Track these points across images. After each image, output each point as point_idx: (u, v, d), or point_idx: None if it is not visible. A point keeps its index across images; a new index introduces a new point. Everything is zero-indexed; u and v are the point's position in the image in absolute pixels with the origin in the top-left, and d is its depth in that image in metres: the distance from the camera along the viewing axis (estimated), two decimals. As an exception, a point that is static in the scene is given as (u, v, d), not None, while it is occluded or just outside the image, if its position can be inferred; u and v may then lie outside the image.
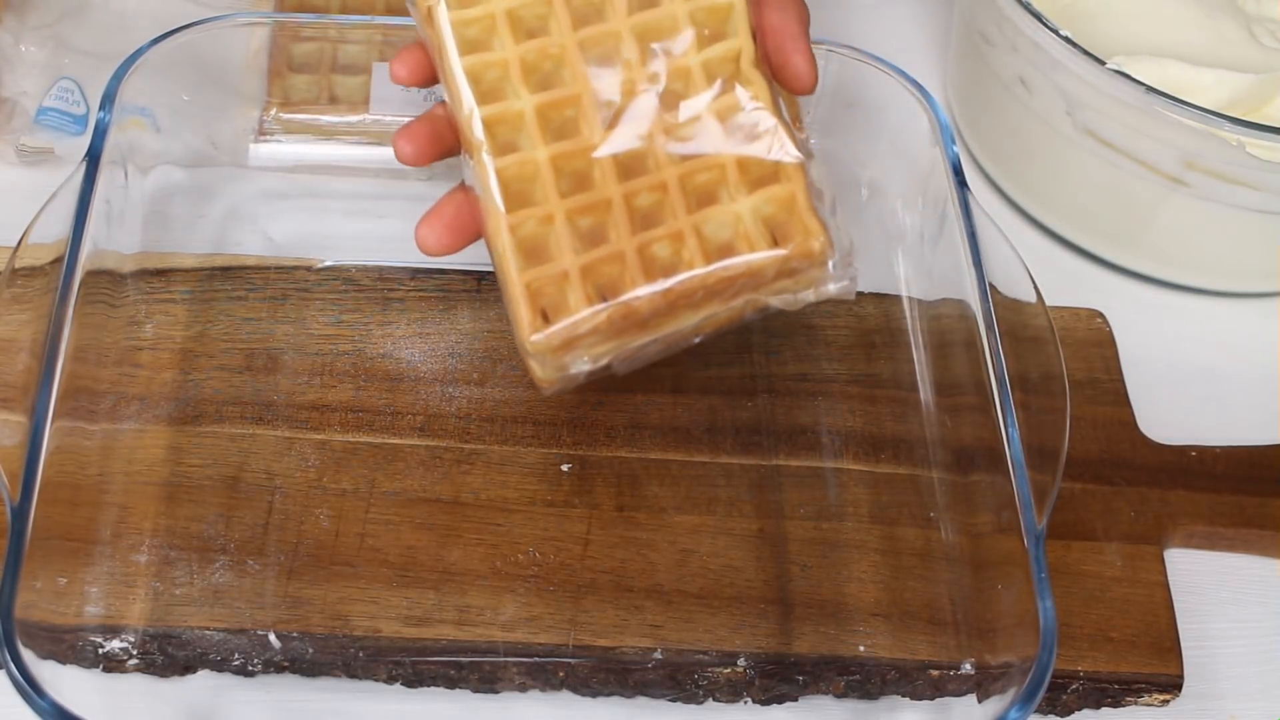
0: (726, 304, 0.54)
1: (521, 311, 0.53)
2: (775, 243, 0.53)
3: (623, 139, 0.54)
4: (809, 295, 0.55)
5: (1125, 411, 0.66)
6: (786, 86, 0.56)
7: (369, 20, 0.70)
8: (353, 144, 0.70)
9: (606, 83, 0.54)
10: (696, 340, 0.56)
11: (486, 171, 0.53)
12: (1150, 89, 0.64)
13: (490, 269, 0.66)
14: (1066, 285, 0.71)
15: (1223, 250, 0.71)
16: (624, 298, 0.53)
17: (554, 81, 0.54)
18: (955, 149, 0.63)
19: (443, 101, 0.56)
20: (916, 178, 0.66)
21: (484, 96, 0.54)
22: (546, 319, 0.53)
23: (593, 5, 0.54)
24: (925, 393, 0.65)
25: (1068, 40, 0.66)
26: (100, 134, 0.60)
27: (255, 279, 0.65)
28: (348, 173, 0.70)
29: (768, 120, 0.54)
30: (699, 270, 0.53)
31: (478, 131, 0.53)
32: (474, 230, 0.55)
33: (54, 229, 0.58)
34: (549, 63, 0.54)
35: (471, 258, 0.66)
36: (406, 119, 0.68)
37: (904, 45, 0.80)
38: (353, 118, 0.70)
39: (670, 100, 0.54)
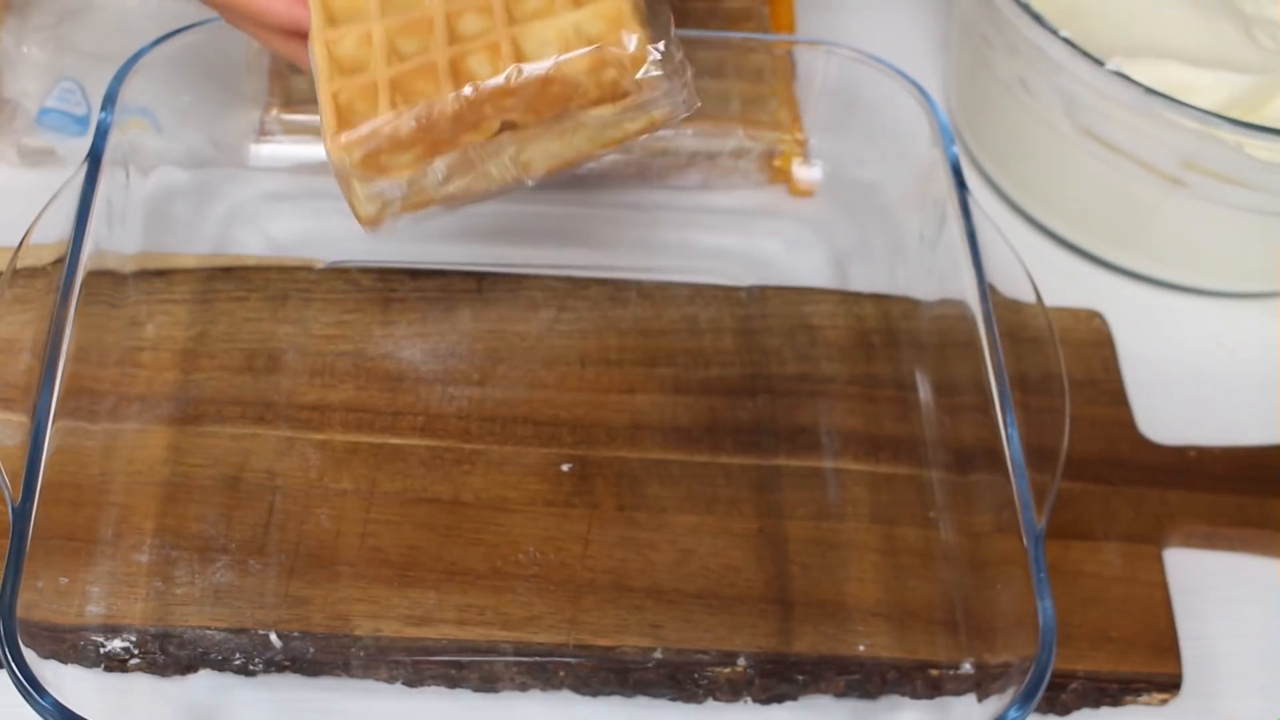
0: (549, 127, 0.53)
1: (327, 121, 0.51)
2: None
3: None
4: (639, 121, 0.53)
5: (1124, 412, 0.66)
6: None
7: (370, 21, 0.71)
8: (353, 144, 0.70)
9: None
10: (530, 183, 0.54)
11: None
12: (1149, 90, 0.64)
13: (491, 269, 0.67)
14: (1066, 285, 0.71)
15: (1222, 250, 0.72)
16: (427, 103, 0.51)
17: None
18: (955, 150, 0.63)
19: None
20: (916, 178, 0.66)
21: None
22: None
23: None
24: (925, 393, 0.65)
25: (1067, 41, 0.66)
26: (101, 135, 0.60)
27: (256, 279, 0.65)
28: (348, 173, 0.70)
29: None
30: (507, 73, 0.51)
31: None
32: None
33: (55, 229, 0.58)
34: None
35: (471, 258, 0.67)
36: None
37: (904, 45, 0.80)
38: (353, 118, 0.70)
39: None
